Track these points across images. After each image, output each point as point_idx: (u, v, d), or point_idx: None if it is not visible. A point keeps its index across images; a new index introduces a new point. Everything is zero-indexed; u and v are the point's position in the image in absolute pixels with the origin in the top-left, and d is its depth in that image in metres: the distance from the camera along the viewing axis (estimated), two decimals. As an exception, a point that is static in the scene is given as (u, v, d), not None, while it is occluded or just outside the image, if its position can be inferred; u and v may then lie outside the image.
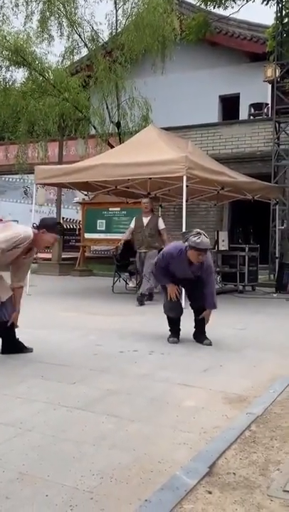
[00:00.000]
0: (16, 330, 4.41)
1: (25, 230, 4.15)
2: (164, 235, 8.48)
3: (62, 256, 14.18)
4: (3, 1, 14.35)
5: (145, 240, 8.41)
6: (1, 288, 4.23)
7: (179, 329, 5.33)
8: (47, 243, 4.38)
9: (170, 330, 5.28)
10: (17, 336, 4.43)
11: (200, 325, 5.19)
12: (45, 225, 4.30)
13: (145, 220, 8.47)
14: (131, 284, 10.25)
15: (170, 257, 5.07)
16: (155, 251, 7.78)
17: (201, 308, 5.14)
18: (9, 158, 17.93)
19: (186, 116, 15.72)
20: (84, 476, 2.17)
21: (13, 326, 4.37)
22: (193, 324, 5.21)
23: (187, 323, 5.24)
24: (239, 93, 16.39)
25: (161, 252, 5.42)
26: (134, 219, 8.81)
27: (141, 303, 7.89)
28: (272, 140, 13.12)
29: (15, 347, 4.42)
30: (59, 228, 4.47)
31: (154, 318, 6.56)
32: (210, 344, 5.02)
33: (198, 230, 4.96)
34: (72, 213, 17.06)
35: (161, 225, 8.50)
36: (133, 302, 7.90)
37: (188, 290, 5.39)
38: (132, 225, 8.77)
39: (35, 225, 4.30)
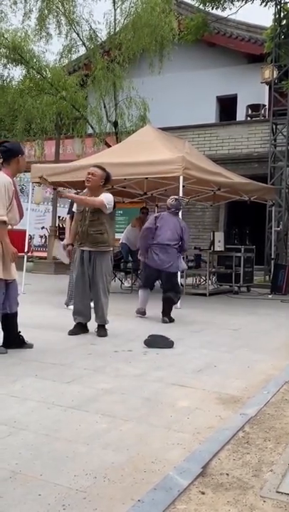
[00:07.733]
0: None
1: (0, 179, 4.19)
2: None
3: (58, 254, 14.15)
4: (1, -1, 14.33)
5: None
6: (6, 270, 4.27)
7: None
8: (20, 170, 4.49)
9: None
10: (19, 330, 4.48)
11: (164, 304, 6.31)
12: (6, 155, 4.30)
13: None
14: (126, 284, 10.25)
15: (157, 217, 6.54)
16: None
17: (166, 290, 6.37)
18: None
19: (183, 116, 15.75)
20: (77, 476, 2.17)
21: (16, 319, 4.43)
22: (184, 323, 5.38)
23: (182, 324, 5.24)
24: (236, 94, 16.42)
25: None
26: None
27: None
28: (268, 141, 13.16)
29: (15, 341, 4.45)
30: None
31: (149, 317, 6.56)
32: (166, 322, 6.02)
33: (176, 196, 6.75)
34: (68, 212, 16.98)
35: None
36: (128, 301, 7.88)
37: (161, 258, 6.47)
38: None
39: None
